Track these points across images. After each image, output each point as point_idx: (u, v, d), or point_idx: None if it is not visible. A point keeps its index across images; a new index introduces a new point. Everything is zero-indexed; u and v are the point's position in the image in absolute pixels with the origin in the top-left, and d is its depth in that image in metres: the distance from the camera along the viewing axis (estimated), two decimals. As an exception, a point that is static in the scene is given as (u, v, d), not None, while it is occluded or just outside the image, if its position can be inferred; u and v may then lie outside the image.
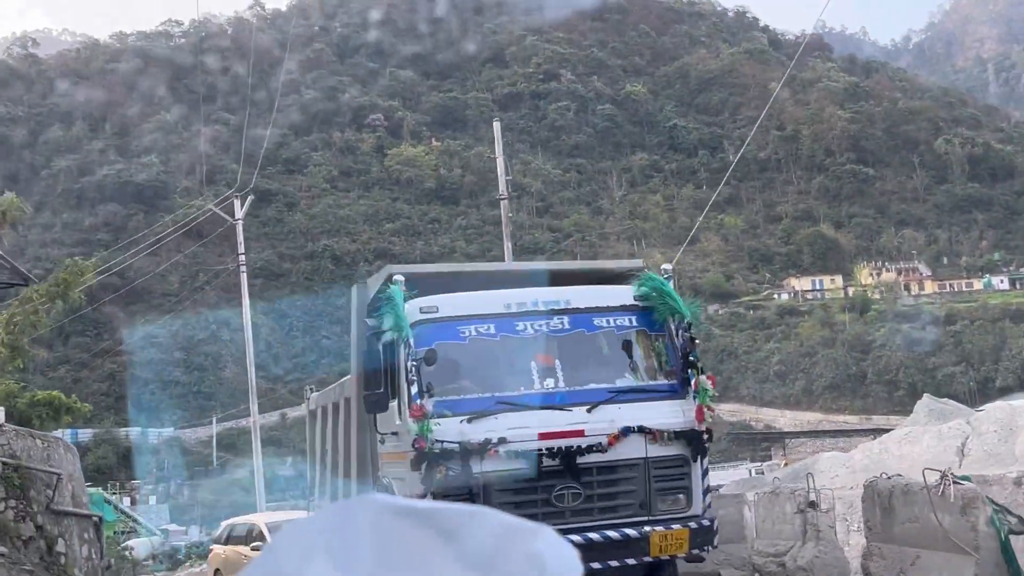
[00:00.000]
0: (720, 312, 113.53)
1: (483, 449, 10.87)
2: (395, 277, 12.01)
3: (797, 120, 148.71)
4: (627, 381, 12.03)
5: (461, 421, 11.08)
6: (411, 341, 11.48)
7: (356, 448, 14.27)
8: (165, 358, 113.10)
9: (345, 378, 16.65)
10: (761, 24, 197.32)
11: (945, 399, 51.43)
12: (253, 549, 21.28)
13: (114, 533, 61.76)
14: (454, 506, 1.52)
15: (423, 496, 10.21)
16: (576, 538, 10.09)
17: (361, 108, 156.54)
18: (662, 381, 12.16)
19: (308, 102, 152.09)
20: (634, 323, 12.20)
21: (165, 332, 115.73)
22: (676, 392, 11.87)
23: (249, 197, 36.96)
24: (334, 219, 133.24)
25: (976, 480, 21.34)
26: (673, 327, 12.13)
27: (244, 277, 36.23)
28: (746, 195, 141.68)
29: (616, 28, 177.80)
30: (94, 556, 15.63)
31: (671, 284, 12.59)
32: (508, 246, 25.97)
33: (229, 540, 23.22)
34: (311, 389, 22.47)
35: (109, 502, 66.03)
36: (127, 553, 56.70)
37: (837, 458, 50.30)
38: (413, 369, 11.37)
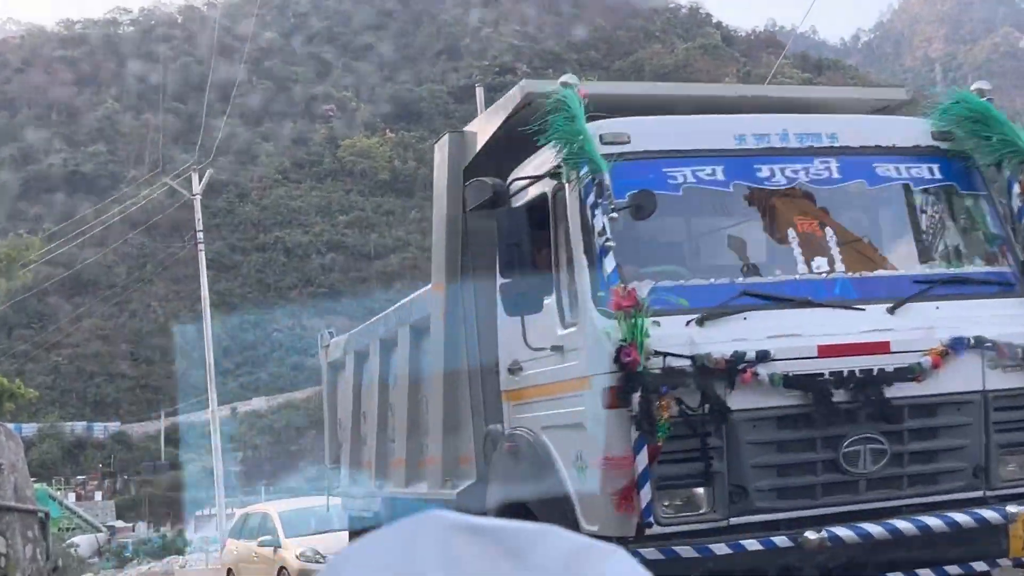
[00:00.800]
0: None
1: (732, 370, 6.57)
2: (567, 81, 7.83)
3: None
4: (934, 266, 7.91)
5: (688, 323, 6.82)
6: (607, 179, 7.15)
7: (442, 394, 9.43)
8: (112, 351, 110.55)
9: (413, 295, 12.22)
10: (714, 20, 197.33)
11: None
12: (261, 545, 19.48)
13: (59, 530, 59.83)
14: (522, 524, 1.45)
15: (632, 454, 6.44)
16: (876, 528, 6.62)
17: (313, 98, 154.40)
18: (987, 268, 7.89)
19: (260, 92, 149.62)
20: (939, 173, 8.03)
21: (112, 324, 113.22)
22: (1010, 285, 7.67)
23: (208, 171, 35.45)
24: (286, 210, 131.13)
25: None
26: (1007, 178, 7.87)
27: (202, 256, 34.69)
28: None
29: (570, 22, 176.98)
30: (39, 556, 14.03)
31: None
32: None
33: (243, 533, 21.09)
34: (330, 333, 16.37)
35: (54, 498, 64.01)
36: (72, 551, 54.84)
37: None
38: (606, 229, 6.97)
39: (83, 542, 59.65)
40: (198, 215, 34.94)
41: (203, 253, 35.17)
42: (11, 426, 15.95)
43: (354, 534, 14.56)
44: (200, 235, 35.23)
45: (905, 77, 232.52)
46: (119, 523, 79.50)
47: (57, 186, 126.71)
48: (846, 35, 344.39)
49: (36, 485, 61.47)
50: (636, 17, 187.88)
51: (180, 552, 56.74)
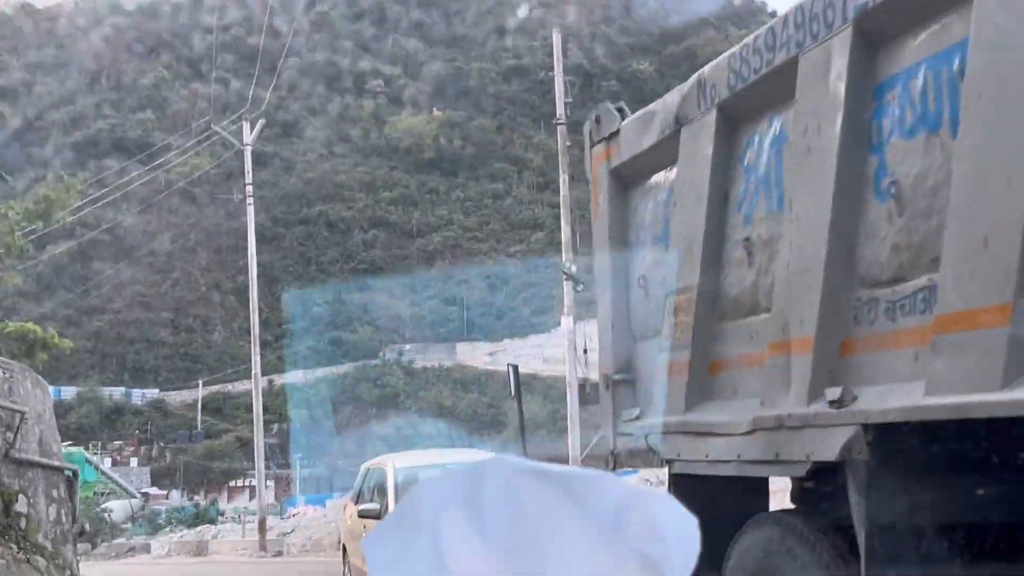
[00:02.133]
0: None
1: None
2: None
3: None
4: None
5: None
6: None
7: None
8: (152, 318, 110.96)
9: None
10: (769, 9, 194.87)
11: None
12: (361, 515, 15.77)
13: (93, 494, 59.94)
14: (581, 470, 1.58)
15: None
16: None
17: (362, 74, 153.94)
18: None
19: (308, 65, 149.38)
20: None
21: (153, 292, 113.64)
22: None
23: (260, 121, 34.67)
24: (330, 185, 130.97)
25: None
26: None
27: (251, 210, 34.00)
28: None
29: (623, 4, 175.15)
30: (64, 518, 13.22)
31: None
32: (564, 178, 23.73)
33: (360, 496, 17.04)
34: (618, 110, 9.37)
35: (90, 462, 64.17)
36: (106, 515, 54.91)
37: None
38: None
39: (117, 507, 59.79)
40: (248, 166, 34.11)
41: (252, 207, 34.29)
42: (51, 388, 14.78)
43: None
44: (250, 188, 34.33)
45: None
46: (153, 490, 79.80)
47: (106, 152, 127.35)
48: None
49: (73, 448, 61.64)
50: (690, 1, 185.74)
51: (212, 522, 56.58)
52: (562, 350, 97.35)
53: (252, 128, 33.30)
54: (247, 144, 33.15)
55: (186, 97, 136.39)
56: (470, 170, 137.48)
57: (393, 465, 15.35)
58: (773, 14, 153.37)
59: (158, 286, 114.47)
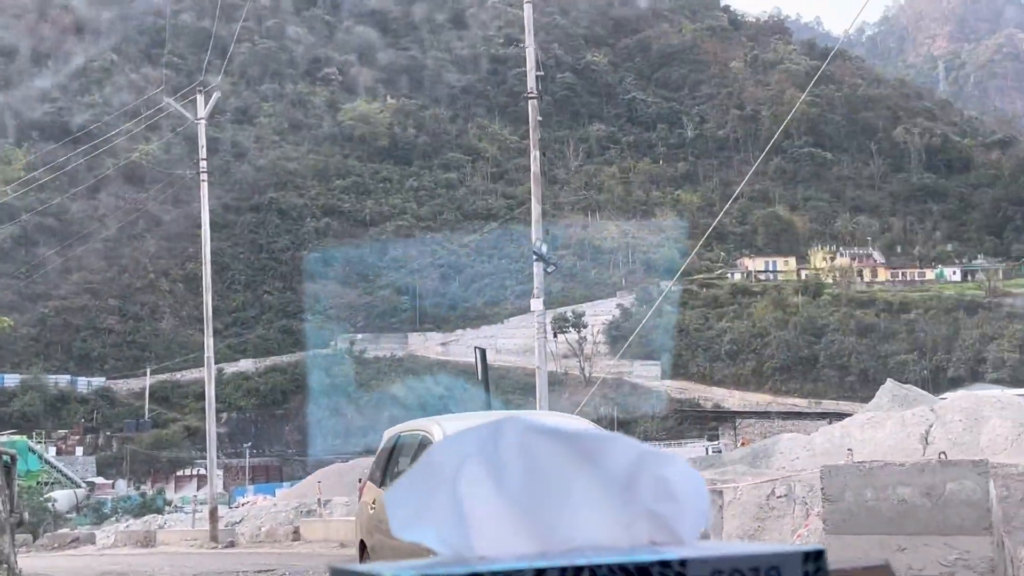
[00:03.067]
0: (673, 289, 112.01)
1: None
2: None
3: (757, 100, 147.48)
4: None
5: None
6: None
7: None
8: (100, 305, 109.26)
9: None
10: (722, 3, 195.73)
11: (909, 386, 50.17)
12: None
13: (37, 483, 58.82)
14: (595, 431, 1.64)
15: None
16: None
17: (315, 61, 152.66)
18: None
19: (261, 52, 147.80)
20: None
21: (101, 279, 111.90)
22: None
23: (215, 94, 33.79)
24: (282, 172, 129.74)
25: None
26: None
27: (204, 187, 33.19)
28: (703, 172, 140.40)
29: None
30: (1, 507, 12.71)
31: None
32: (536, 154, 23.26)
33: (389, 475, 12.09)
34: None
35: (34, 451, 62.99)
36: (49, 505, 53.86)
37: (797, 440, 48.21)
38: None
39: (61, 497, 58.72)
40: (202, 140, 33.16)
41: (205, 184, 33.37)
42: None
43: None
44: (204, 163, 33.40)
45: (907, 73, 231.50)
46: (99, 479, 78.47)
47: (53, 135, 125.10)
48: (851, 27, 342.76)
49: (16, 437, 60.24)
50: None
51: (159, 511, 55.72)
52: (515, 341, 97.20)
53: (206, 102, 32.34)
54: (201, 118, 32.25)
55: (135, 81, 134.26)
56: (424, 159, 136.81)
57: (443, 430, 10.48)
58: (726, 8, 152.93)
59: (105, 272, 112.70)
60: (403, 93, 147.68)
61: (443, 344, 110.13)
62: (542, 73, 24.19)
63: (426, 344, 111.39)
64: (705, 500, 1.31)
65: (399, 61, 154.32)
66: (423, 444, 10.93)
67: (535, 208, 22.70)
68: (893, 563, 7.48)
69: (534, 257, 21.89)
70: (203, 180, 32.97)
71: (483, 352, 12.66)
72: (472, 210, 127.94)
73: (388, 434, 12.21)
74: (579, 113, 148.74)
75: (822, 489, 8.86)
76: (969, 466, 8.04)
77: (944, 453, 9.87)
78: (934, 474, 8.21)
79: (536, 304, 21.56)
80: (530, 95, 23.43)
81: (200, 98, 32.46)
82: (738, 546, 1.18)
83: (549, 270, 21.97)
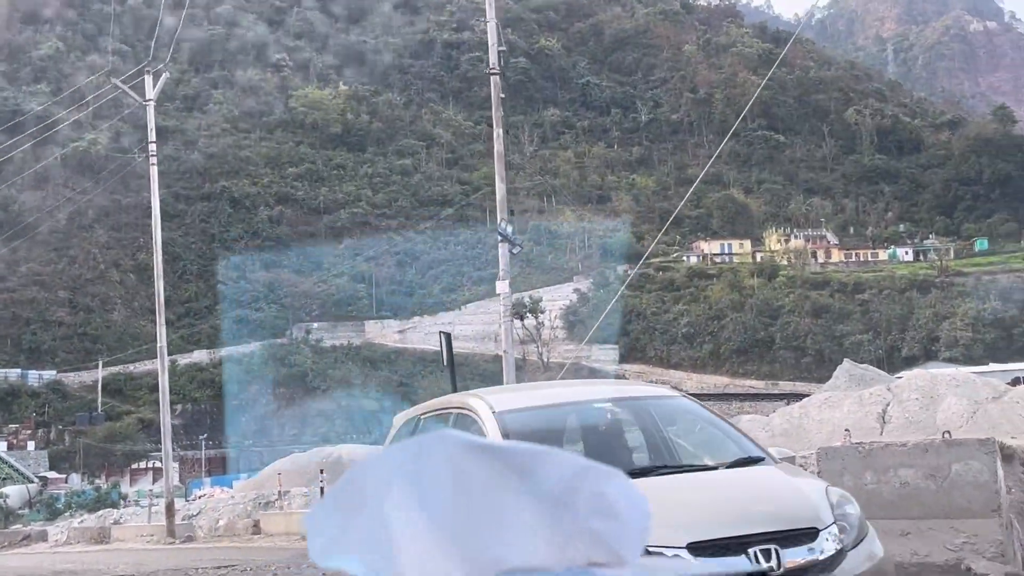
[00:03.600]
0: (629, 272, 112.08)
1: None
2: None
3: (710, 84, 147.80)
4: None
5: None
6: None
7: None
8: (49, 297, 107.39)
9: None
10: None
11: (865, 365, 50.32)
12: None
13: (-14, 479, 57.61)
14: (529, 445, 1.55)
15: None
16: None
17: (265, 47, 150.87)
18: None
19: (210, 38, 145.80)
20: None
21: (50, 270, 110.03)
22: None
23: (163, 75, 32.84)
24: (234, 160, 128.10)
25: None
26: None
27: (154, 171, 32.25)
28: (657, 156, 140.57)
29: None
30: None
31: None
32: (499, 132, 22.61)
33: None
34: None
35: (-18, 447, 61.73)
36: (1, 501, 52.77)
37: (756, 421, 48.17)
38: None
39: (13, 492, 57.53)
40: (151, 123, 32.12)
41: (155, 167, 32.34)
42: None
43: None
44: (153, 147, 32.36)
45: (857, 56, 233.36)
46: (52, 474, 77.12)
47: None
48: (800, 11, 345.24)
49: (-36, 432, 58.63)
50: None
51: (114, 506, 54.74)
52: (473, 327, 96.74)
53: (155, 83, 31.32)
54: (150, 99, 31.28)
55: (83, 69, 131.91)
56: (378, 146, 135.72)
57: (491, 407, 7.78)
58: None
59: (54, 264, 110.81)
60: (355, 79, 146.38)
61: (400, 332, 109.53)
62: (504, 48, 23.54)
63: (383, 332, 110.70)
64: (647, 517, 1.27)
65: (351, 47, 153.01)
66: (461, 424, 7.81)
67: (499, 188, 22.10)
68: (896, 549, 7.12)
69: (499, 238, 21.28)
70: (152, 164, 32.02)
71: (448, 336, 12.01)
72: (427, 196, 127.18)
73: (403, 417, 9.89)
74: (533, 98, 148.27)
75: (818, 473, 8.49)
76: (975, 445, 7.64)
77: (949, 432, 9.52)
78: (938, 455, 7.85)
79: (502, 286, 21.00)
80: (492, 71, 22.81)
81: (148, 79, 31.48)
82: (681, 564, 1.15)
83: (515, 251, 21.36)
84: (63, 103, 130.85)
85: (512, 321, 22.13)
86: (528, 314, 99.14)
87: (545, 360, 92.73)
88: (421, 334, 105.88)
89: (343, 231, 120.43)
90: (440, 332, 13.79)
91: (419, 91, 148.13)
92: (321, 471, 31.40)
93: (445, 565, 1.32)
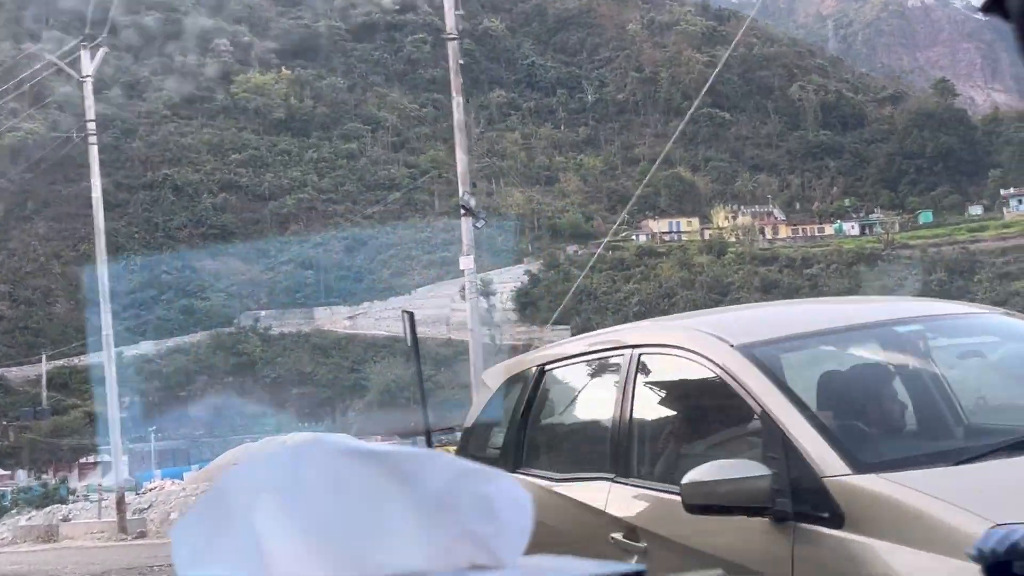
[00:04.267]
0: (579, 253, 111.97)
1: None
2: None
3: (655, 63, 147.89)
4: None
5: None
6: None
7: None
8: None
9: None
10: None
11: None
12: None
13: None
14: (409, 449, 1.37)
15: None
16: None
17: (205, 32, 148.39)
18: None
19: (147, 24, 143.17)
20: None
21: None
22: None
23: (101, 50, 31.76)
24: (175, 148, 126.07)
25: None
26: None
27: (94, 150, 31.24)
28: (604, 136, 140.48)
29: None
30: None
31: None
32: (458, 100, 22.02)
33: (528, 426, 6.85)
34: None
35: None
36: (-57, 501, 51.45)
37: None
38: None
39: (-44, 491, 56.16)
40: (89, 101, 30.98)
41: (95, 147, 31.23)
42: None
43: None
44: (92, 126, 31.22)
45: (798, 33, 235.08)
46: (-3, 471, 75.54)
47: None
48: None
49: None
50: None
51: (63, 501, 53.59)
52: (425, 312, 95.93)
53: (92, 57, 30.21)
54: (87, 75, 30.22)
55: (15, 56, 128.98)
56: (322, 130, 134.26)
57: (723, 339, 4.72)
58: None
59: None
60: (298, 63, 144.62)
61: (350, 318, 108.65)
62: (461, 12, 22.98)
63: (333, 318, 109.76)
64: (528, 517, 1.29)
65: (292, 30, 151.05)
66: (662, 372, 5.29)
67: (460, 159, 21.53)
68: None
69: (462, 211, 20.70)
70: (92, 143, 30.96)
71: (411, 315, 11.49)
72: (374, 181, 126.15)
73: (502, 373, 6.85)
74: (479, 80, 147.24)
75: None
76: None
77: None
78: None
79: (466, 262, 20.45)
80: (450, 35, 22.22)
81: (85, 54, 30.38)
82: (559, 563, 1.14)
83: (478, 224, 20.82)
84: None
85: (478, 299, 21.67)
86: (479, 296, 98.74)
87: (498, 343, 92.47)
88: (371, 320, 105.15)
89: (289, 217, 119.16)
90: (403, 311, 13.14)
91: (363, 74, 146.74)
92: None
93: (322, 572, 1.32)
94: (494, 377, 6.96)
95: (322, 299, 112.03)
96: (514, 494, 1.31)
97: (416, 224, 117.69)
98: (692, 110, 41.46)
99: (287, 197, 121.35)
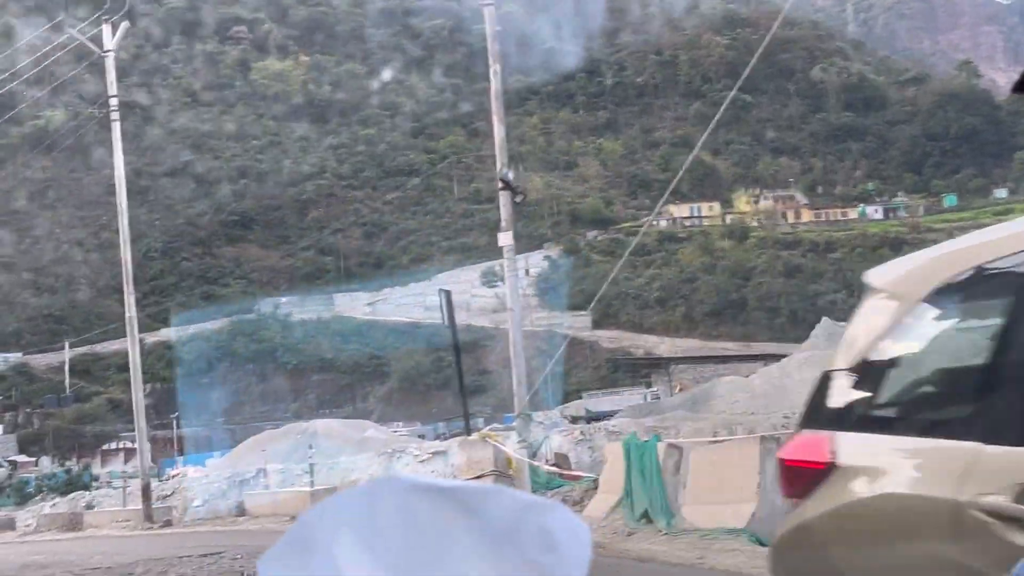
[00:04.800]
0: (599, 238, 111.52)
1: None
2: None
3: (675, 45, 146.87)
4: None
5: None
6: None
7: None
8: (13, 279, 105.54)
9: None
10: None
11: (844, 324, 50.04)
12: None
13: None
14: (474, 484, 1.47)
15: None
16: None
17: (224, 20, 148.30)
18: None
19: (168, 12, 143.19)
20: None
21: (12, 252, 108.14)
22: None
23: (124, 23, 31.40)
24: (196, 135, 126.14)
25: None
26: None
27: (117, 126, 30.95)
28: (624, 120, 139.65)
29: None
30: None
31: None
32: (496, 69, 21.53)
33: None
34: None
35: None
36: (-32, 487, 51.72)
37: (735, 383, 47.17)
38: None
39: (-19, 478, 56.48)
40: (111, 76, 30.59)
41: (118, 124, 30.84)
42: None
43: None
44: (114, 101, 30.77)
45: (817, 16, 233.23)
46: (21, 457, 75.92)
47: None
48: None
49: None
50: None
51: (87, 488, 53.73)
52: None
53: (114, 33, 29.78)
54: (109, 50, 29.84)
55: (38, 46, 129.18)
56: (341, 116, 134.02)
57: None
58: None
59: (17, 245, 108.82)
60: (316, 49, 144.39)
61: (370, 304, 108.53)
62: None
63: (353, 304, 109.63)
64: (586, 547, 1.37)
65: (311, 16, 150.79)
66: None
67: (498, 130, 20.99)
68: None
69: (500, 185, 20.19)
70: (115, 120, 30.61)
71: (448, 294, 11.29)
72: (393, 166, 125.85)
73: (973, 258, 3.94)
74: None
75: None
76: None
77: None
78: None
79: (505, 238, 19.98)
80: (486, 2, 21.71)
81: (107, 28, 29.96)
82: None
83: (518, 199, 20.29)
84: (18, 80, 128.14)
85: (517, 276, 21.33)
86: (499, 282, 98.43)
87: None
88: (391, 306, 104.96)
89: (308, 204, 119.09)
90: (440, 290, 13.00)
91: (382, 60, 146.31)
92: (310, 447, 30.53)
93: None
94: (907, 282, 4.23)
95: (342, 285, 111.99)
96: (573, 524, 1.43)
97: (435, 210, 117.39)
98: (731, 93, 40.61)
99: (306, 183, 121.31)
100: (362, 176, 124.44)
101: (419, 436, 55.14)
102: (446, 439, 39.19)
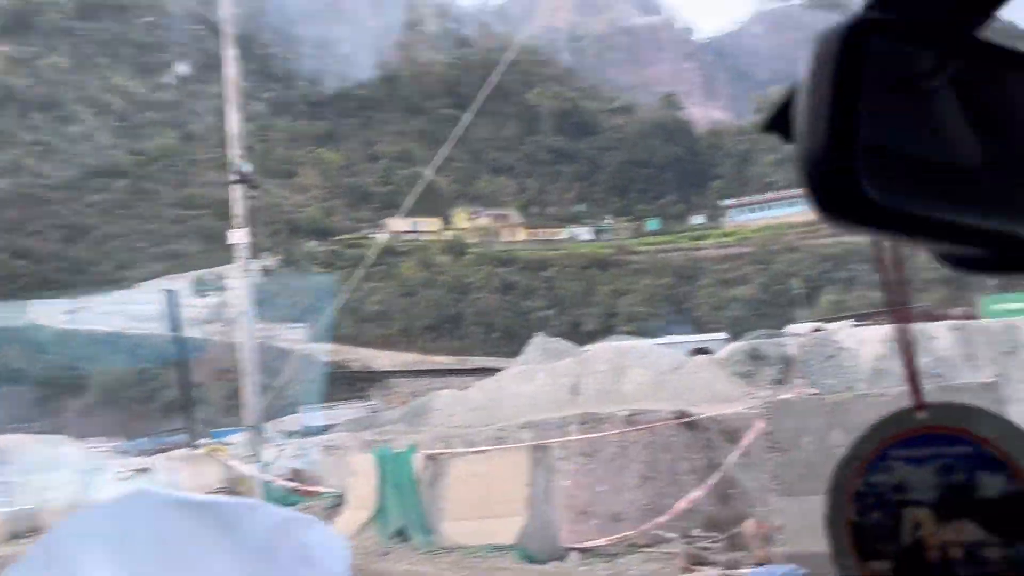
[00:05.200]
0: (319, 249, 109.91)
1: None
2: None
3: (396, 61, 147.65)
4: None
5: None
6: None
7: None
8: None
9: None
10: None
11: (556, 339, 51.11)
12: None
13: None
14: (232, 499, 1.48)
15: None
16: None
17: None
18: None
19: None
20: None
21: None
22: None
23: None
24: None
25: (589, 418, 19.11)
26: None
27: None
28: (345, 131, 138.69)
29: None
30: None
31: None
32: (232, 53, 20.02)
33: None
34: None
35: None
36: None
37: (453, 396, 47.28)
38: None
39: None
40: None
41: None
42: None
43: None
44: None
45: (533, 41, 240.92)
46: None
47: None
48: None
49: None
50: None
51: None
52: (152, 307, 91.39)
53: None
54: None
55: None
56: (42, 111, 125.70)
57: None
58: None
59: None
60: (15, 40, 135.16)
61: (70, 312, 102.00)
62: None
63: (49, 312, 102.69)
64: (345, 563, 1.41)
65: (11, 6, 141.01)
66: None
67: (233, 119, 19.63)
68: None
69: (235, 178, 18.85)
70: None
71: (174, 294, 10.11)
72: (98, 167, 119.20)
73: None
74: (215, 66, 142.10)
75: (769, 433, 7.10)
76: (978, 390, 6.12)
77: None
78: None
79: (238, 235, 18.68)
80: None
81: None
82: None
83: (254, 193, 19.05)
84: None
85: (251, 276, 20.03)
86: (210, 292, 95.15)
87: (231, 340, 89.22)
88: (93, 314, 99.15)
89: (4, 203, 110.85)
90: (165, 290, 11.72)
91: (88, 55, 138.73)
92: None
93: None
94: None
95: (38, 292, 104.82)
96: (331, 541, 1.48)
97: (143, 214, 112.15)
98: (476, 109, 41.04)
99: (1, 180, 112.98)
100: (63, 176, 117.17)
101: (121, 452, 52.04)
102: (151, 455, 37.12)
